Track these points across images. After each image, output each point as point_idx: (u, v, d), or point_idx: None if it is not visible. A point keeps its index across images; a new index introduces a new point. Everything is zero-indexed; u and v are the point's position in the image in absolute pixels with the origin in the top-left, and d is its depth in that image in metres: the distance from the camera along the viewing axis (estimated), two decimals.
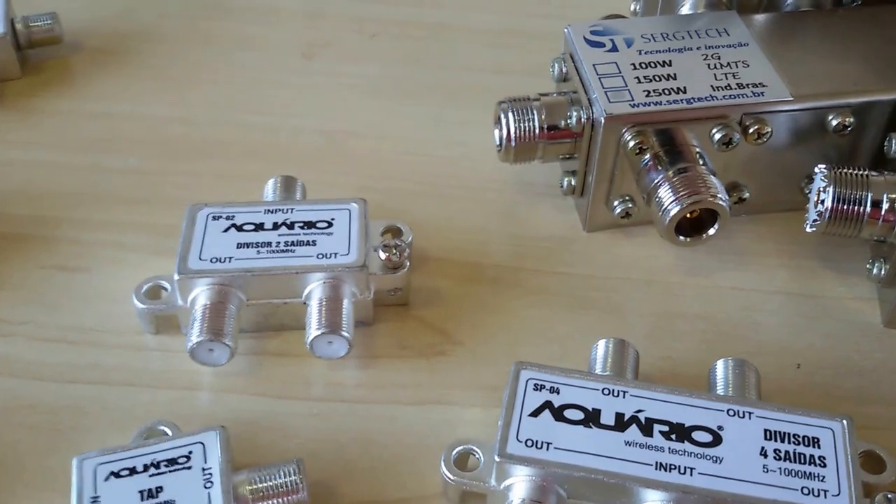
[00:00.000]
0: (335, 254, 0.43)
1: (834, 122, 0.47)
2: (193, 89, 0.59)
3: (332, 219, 0.45)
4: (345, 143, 0.56)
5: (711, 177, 0.46)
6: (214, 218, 0.44)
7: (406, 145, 0.56)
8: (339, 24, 0.65)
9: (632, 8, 0.58)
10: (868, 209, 0.44)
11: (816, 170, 0.45)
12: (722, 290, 0.48)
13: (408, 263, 0.44)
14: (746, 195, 0.50)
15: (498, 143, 0.49)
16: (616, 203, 0.49)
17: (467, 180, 0.53)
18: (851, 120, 0.47)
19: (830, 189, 0.44)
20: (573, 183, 0.50)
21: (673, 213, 0.45)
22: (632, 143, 0.46)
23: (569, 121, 0.48)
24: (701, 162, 0.46)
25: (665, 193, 0.45)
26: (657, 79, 0.47)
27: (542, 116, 0.49)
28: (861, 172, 0.45)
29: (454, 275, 0.48)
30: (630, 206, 0.49)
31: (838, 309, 0.47)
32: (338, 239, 0.44)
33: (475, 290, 0.48)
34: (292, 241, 0.44)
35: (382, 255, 0.44)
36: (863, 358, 0.45)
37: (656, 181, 0.46)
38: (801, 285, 0.48)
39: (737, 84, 0.47)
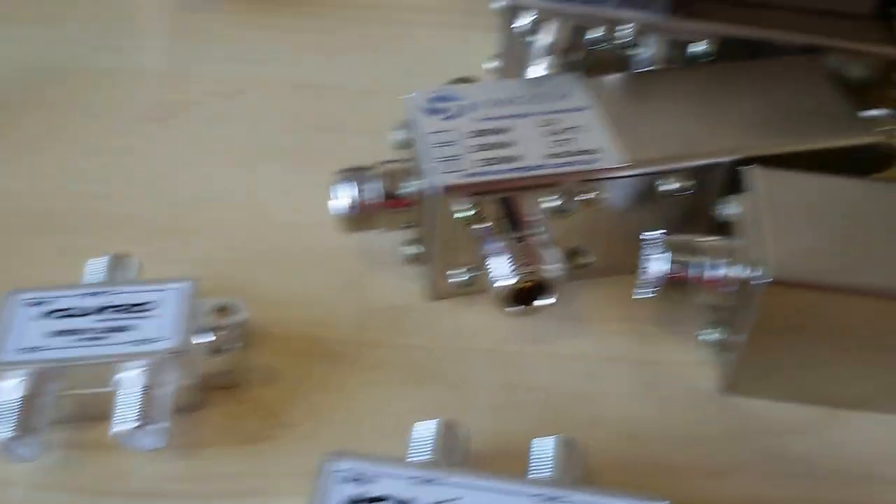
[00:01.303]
0: (156, 339, 0.42)
1: (671, 186, 0.47)
2: (31, 158, 0.58)
3: (157, 301, 0.43)
4: (193, 211, 0.55)
5: (546, 247, 0.45)
6: (29, 304, 0.43)
7: (256, 212, 0.55)
8: (197, 86, 0.64)
9: (490, 66, 0.58)
10: (695, 275, 0.44)
11: (646, 236, 0.44)
12: (562, 358, 0.48)
13: (235, 346, 0.43)
14: (589, 260, 0.49)
15: (336, 212, 0.48)
16: (457, 271, 0.49)
17: (316, 249, 0.53)
18: (688, 184, 0.47)
19: (658, 256, 0.44)
20: (414, 252, 0.49)
21: (505, 284, 0.44)
22: (465, 214, 0.45)
23: (406, 190, 0.47)
24: (538, 230, 0.46)
25: (499, 264, 0.45)
26: (493, 147, 0.47)
27: (382, 186, 0.48)
28: (689, 238, 0.44)
29: (293, 351, 0.47)
30: (471, 274, 0.48)
31: (676, 375, 0.47)
32: (160, 323, 0.43)
33: (314, 366, 0.47)
34: (111, 327, 0.43)
35: (207, 339, 0.42)
36: (698, 426, 0.45)
37: (491, 250, 0.45)
38: (640, 351, 0.48)
39: (571, 151, 0.47)
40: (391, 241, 0.52)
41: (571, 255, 0.49)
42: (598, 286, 0.51)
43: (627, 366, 0.48)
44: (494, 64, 0.58)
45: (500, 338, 0.49)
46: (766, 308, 0.42)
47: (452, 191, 0.45)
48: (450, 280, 0.49)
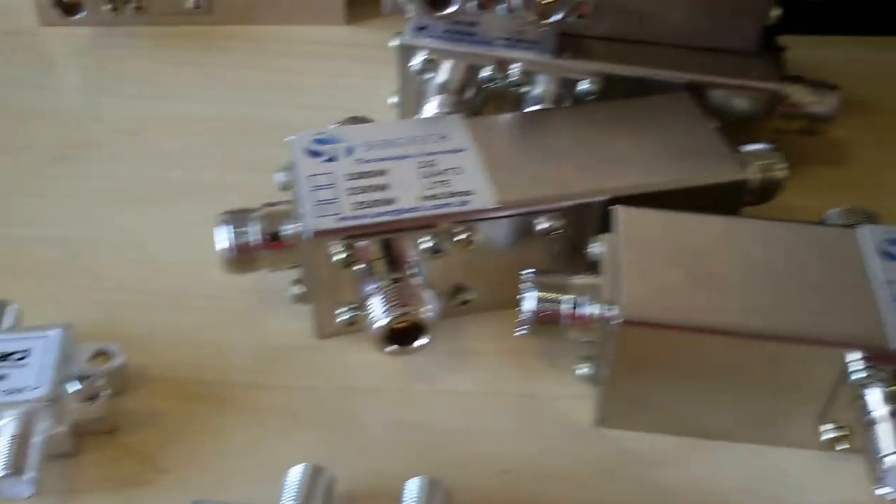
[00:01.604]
0: (27, 388, 0.43)
1: (543, 226, 0.48)
2: None
3: (29, 349, 0.44)
4: (85, 252, 0.55)
5: (421, 288, 0.46)
6: None
7: (148, 252, 0.56)
8: (101, 124, 0.65)
9: (393, 101, 0.60)
10: (566, 312, 0.45)
11: (522, 274, 0.46)
12: (445, 395, 0.49)
13: (107, 392, 0.44)
14: (471, 297, 0.50)
15: (219, 254, 0.49)
16: (341, 310, 0.49)
17: (207, 288, 0.53)
18: (559, 224, 0.48)
19: (531, 294, 0.45)
20: (300, 291, 0.50)
21: (379, 324, 0.45)
22: (339, 257, 0.46)
23: (286, 233, 0.48)
24: (413, 271, 0.46)
25: (375, 304, 0.46)
26: (369, 189, 0.48)
27: (261, 228, 0.48)
28: (559, 276, 0.45)
29: (175, 394, 0.48)
30: (355, 313, 0.49)
31: (553, 409, 0.48)
32: (30, 371, 0.43)
33: (195, 410, 0.47)
34: None
35: (75, 387, 0.43)
36: (572, 460, 0.46)
37: (368, 291, 0.46)
38: (521, 386, 0.49)
39: (446, 193, 0.48)
40: (283, 279, 0.52)
41: (455, 291, 0.50)
42: (485, 320, 0.52)
43: (508, 401, 0.49)
44: (395, 100, 0.59)
45: (385, 376, 0.50)
46: (622, 345, 0.43)
47: (326, 235, 0.46)
48: (335, 319, 0.49)
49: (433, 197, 0.47)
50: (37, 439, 0.42)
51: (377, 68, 0.66)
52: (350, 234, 0.46)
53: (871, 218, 0.49)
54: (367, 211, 0.47)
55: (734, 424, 0.46)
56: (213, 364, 0.49)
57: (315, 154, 0.50)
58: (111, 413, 0.45)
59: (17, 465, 0.41)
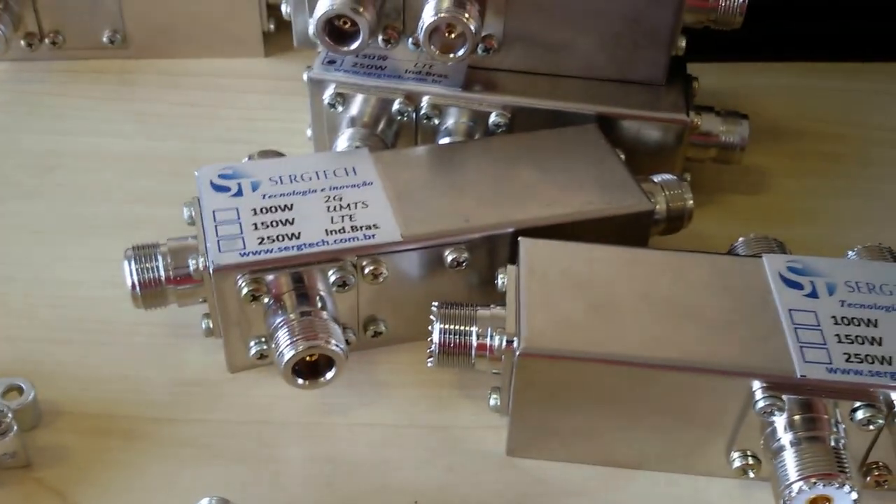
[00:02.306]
0: None
1: (449, 258, 0.48)
2: None
3: None
4: None
5: (329, 321, 0.46)
6: None
7: (63, 289, 0.56)
8: (12, 160, 0.64)
9: (308, 134, 0.60)
10: (474, 343, 0.45)
11: (433, 306, 0.47)
12: (358, 427, 0.49)
13: (14, 427, 0.44)
14: (383, 329, 0.51)
15: (127, 288, 0.49)
16: (252, 344, 0.49)
17: (122, 323, 0.53)
18: (466, 255, 0.48)
19: (437, 325, 0.45)
20: (209, 325, 0.50)
21: (287, 357, 0.45)
22: (244, 291, 0.46)
23: (191, 268, 0.48)
24: (321, 305, 0.47)
25: (282, 337, 0.46)
26: (274, 224, 0.48)
27: (168, 263, 0.49)
28: (469, 308, 0.46)
29: (88, 429, 0.48)
30: (265, 347, 0.49)
31: (466, 440, 0.49)
32: None
33: (107, 444, 0.48)
34: None
35: None
36: (483, 491, 0.47)
37: (275, 324, 0.46)
38: (433, 417, 0.50)
39: (351, 227, 0.48)
40: (195, 313, 0.52)
41: (367, 323, 0.51)
42: (399, 352, 0.53)
43: (421, 432, 0.49)
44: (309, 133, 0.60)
45: (298, 409, 0.50)
46: (523, 376, 0.43)
47: (229, 270, 0.46)
48: (246, 353, 0.49)
49: (339, 231, 0.48)
50: None
51: (295, 101, 0.67)
52: (254, 269, 0.46)
53: (780, 246, 0.49)
54: (272, 245, 0.47)
55: (645, 454, 0.46)
56: (126, 398, 0.49)
57: (220, 189, 0.50)
58: (23, 448, 0.45)
59: None
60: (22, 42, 0.68)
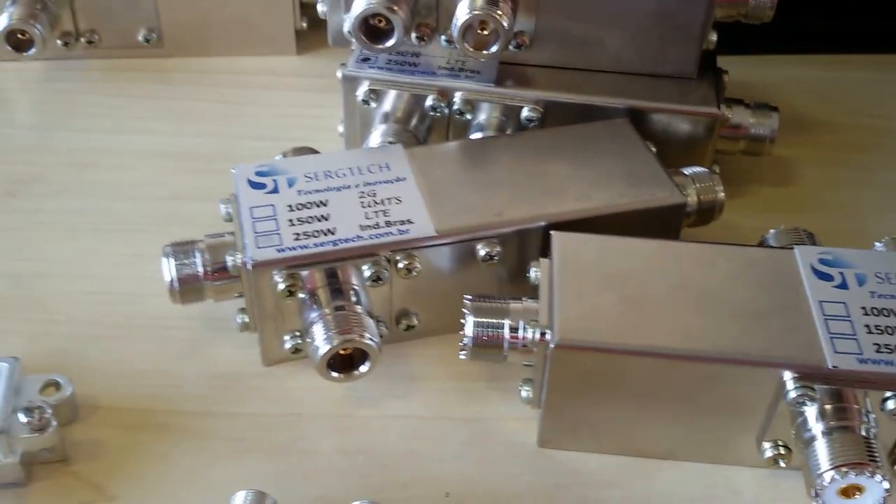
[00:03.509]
0: None
1: (481, 252, 0.49)
2: None
3: None
4: (35, 285, 0.56)
5: (363, 315, 0.47)
6: None
7: (101, 285, 0.56)
8: (51, 158, 0.65)
9: (340, 130, 0.61)
10: (507, 336, 0.45)
11: (465, 298, 0.47)
12: (389, 419, 0.50)
13: (53, 423, 0.44)
14: (415, 322, 0.51)
15: (165, 284, 0.50)
16: (286, 338, 0.50)
17: (154, 319, 0.54)
18: (498, 250, 0.49)
19: (470, 318, 0.46)
20: (245, 320, 0.51)
21: (323, 351, 0.46)
22: (281, 287, 0.47)
23: (228, 264, 0.49)
24: (355, 299, 0.47)
25: (317, 331, 0.46)
26: (310, 220, 0.49)
27: (206, 259, 0.49)
28: (501, 301, 0.46)
29: (123, 423, 0.49)
30: (300, 341, 0.50)
31: (497, 431, 0.49)
32: None
33: (143, 438, 0.48)
34: None
35: (24, 419, 0.44)
36: (514, 482, 0.47)
37: (311, 319, 0.47)
38: (464, 409, 0.50)
39: (385, 222, 0.49)
40: (230, 308, 0.53)
41: (399, 317, 0.51)
42: (430, 345, 0.53)
43: (453, 424, 0.50)
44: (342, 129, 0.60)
45: (331, 402, 0.50)
46: (556, 368, 0.44)
47: (266, 265, 0.47)
48: (281, 347, 0.50)
49: (373, 226, 0.48)
50: None
51: (327, 98, 0.67)
52: (290, 265, 0.47)
53: (810, 237, 0.50)
54: (308, 241, 0.47)
55: (677, 444, 0.47)
56: (161, 393, 0.50)
57: (257, 185, 0.50)
58: (61, 443, 0.46)
59: None
60: (58, 41, 0.68)
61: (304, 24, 0.71)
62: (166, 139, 0.67)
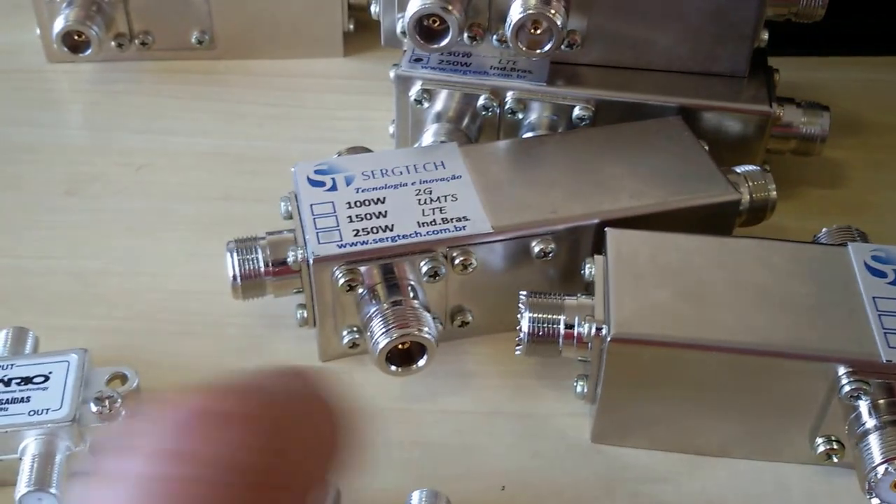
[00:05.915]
0: (47, 409, 0.44)
1: (536, 249, 0.49)
2: None
3: (50, 372, 0.46)
4: (97, 282, 0.57)
5: (421, 310, 0.48)
6: None
7: (159, 282, 0.57)
8: (107, 158, 0.66)
9: (390, 131, 0.62)
10: (563, 331, 0.46)
11: (520, 295, 0.48)
12: (443, 414, 0.50)
13: (123, 413, 0.45)
14: (470, 319, 0.52)
15: (228, 279, 0.51)
16: (344, 333, 0.51)
17: (213, 315, 0.55)
18: (552, 247, 0.49)
19: (526, 314, 0.46)
20: (304, 315, 0.52)
21: (382, 345, 0.47)
22: (341, 282, 0.48)
23: (289, 260, 0.50)
24: (413, 295, 0.48)
25: (376, 326, 0.47)
26: (368, 217, 0.50)
27: (267, 255, 0.50)
28: (556, 297, 0.47)
29: None
30: (357, 336, 0.51)
31: (550, 427, 0.50)
32: (52, 394, 0.45)
33: None
34: (7, 399, 0.45)
35: (94, 408, 0.45)
36: (568, 476, 0.48)
37: (370, 314, 0.48)
38: (517, 405, 0.51)
39: (442, 219, 0.50)
40: (288, 305, 0.54)
41: (454, 314, 0.52)
42: (483, 343, 0.54)
43: (507, 419, 0.50)
44: (393, 130, 0.61)
45: (387, 396, 0.51)
46: (612, 362, 0.44)
47: (327, 261, 0.48)
48: (339, 342, 0.51)
49: (430, 223, 0.49)
50: (58, 458, 0.44)
51: (374, 100, 0.68)
52: (350, 260, 0.48)
53: (862, 236, 0.50)
54: (367, 237, 0.48)
55: (730, 440, 0.47)
56: None
57: (316, 184, 0.51)
58: None
59: (40, 482, 0.43)
60: (112, 43, 0.69)
61: (352, 27, 0.72)
62: (218, 141, 0.68)
